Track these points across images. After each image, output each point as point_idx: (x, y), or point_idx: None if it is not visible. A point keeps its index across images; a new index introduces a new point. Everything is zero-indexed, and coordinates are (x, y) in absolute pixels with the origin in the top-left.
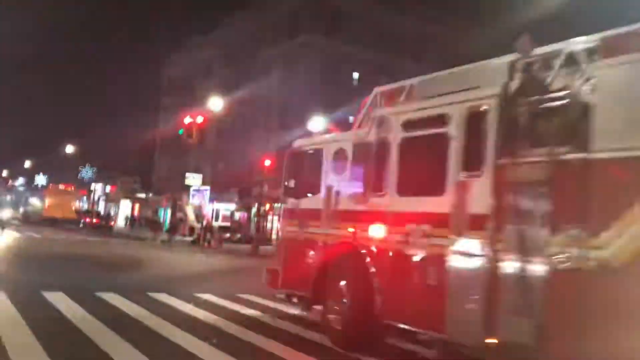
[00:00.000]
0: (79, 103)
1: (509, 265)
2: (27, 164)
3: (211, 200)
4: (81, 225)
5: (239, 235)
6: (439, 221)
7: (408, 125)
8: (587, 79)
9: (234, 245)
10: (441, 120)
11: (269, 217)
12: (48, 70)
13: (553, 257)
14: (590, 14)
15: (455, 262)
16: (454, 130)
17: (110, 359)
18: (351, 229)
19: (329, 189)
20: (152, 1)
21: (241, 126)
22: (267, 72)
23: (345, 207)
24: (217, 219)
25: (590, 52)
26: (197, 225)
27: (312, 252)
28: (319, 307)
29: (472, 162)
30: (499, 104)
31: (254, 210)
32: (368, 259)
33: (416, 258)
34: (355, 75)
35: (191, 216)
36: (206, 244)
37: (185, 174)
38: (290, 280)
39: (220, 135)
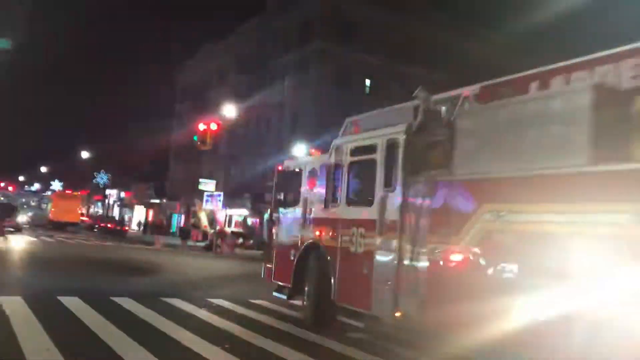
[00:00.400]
0: (94, 110)
1: (407, 258)
2: (43, 169)
3: (224, 206)
4: (95, 230)
5: (251, 241)
6: (370, 225)
7: (353, 151)
8: (454, 121)
9: (246, 251)
10: (372, 148)
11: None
12: (65, 78)
13: (430, 251)
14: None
15: (378, 256)
16: (379, 157)
17: None
18: (317, 232)
19: (304, 200)
20: (166, 10)
21: (254, 133)
22: (280, 79)
23: (314, 215)
24: (230, 224)
25: (465, 99)
26: (210, 231)
27: (292, 252)
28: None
29: (388, 180)
30: (406, 138)
31: (266, 216)
32: (328, 256)
33: (357, 254)
34: (368, 82)
35: (204, 222)
36: (218, 249)
37: (198, 180)
38: (279, 274)
39: (234, 142)
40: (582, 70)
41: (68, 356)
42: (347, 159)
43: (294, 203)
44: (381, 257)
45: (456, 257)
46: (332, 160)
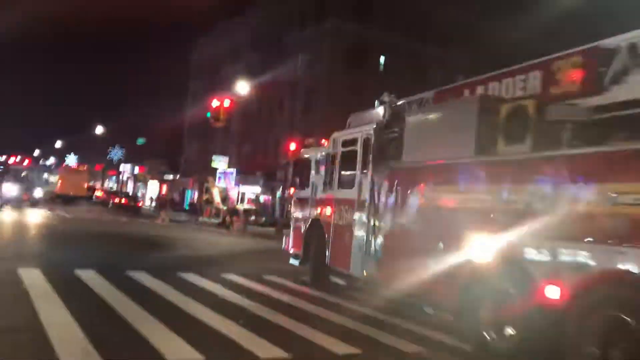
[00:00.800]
0: (110, 86)
1: (371, 229)
2: (59, 144)
3: (236, 183)
4: (110, 205)
5: (263, 218)
6: (351, 204)
7: (343, 144)
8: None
9: (258, 228)
10: (354, 142)
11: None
12: (81, 53)
13: (383, 222)
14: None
15: (355, 228)
16: (359, 148)
17: (141, 336)
18: (318, 210)
19: (311, 184)
20: None
21: (267, 110)
22: (294, 56)
23: (317, 196)
24: (242, 202)
25: (425, 102)
26: (223, 208)
27: (303, 226)
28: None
29: (364, 168)
30: (374, 133)
31: (278, 193)
32: (324, 229)
33: (343, 226)
34: (382, 60)
35: (217, 198)
36: (231, 226)
37: (211, 157)
38: (294, 244)
39: (247, 119)
40: (495, 81)
41: (87, 329)
42: (339, 150)
43: (305, 186)
44: (357, 229)
45: (398, 228)
46: (330, 150)
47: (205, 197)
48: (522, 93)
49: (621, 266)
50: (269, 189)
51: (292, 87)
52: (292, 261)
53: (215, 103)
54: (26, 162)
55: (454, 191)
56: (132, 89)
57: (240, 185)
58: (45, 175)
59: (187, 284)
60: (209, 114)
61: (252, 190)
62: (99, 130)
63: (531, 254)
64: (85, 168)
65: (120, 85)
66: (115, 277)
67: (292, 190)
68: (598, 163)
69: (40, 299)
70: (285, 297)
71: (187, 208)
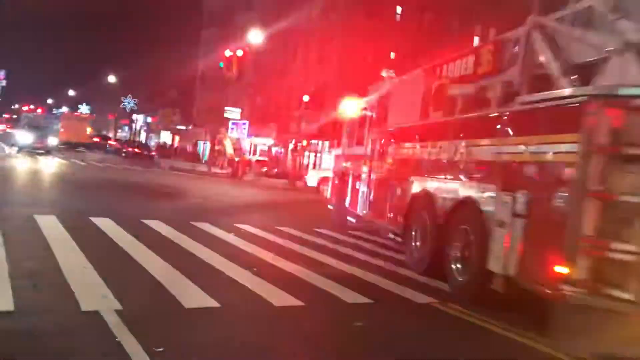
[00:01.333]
0: (122, 33)
1: (369, 177)
2: (71, 92)
3: (249, 134)
4: (123, 154)
5: (275, 170)
6: (362, 158)
7: (361, 109)
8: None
9: (270, 179)
10: (365, 109)
11: (306, 153)
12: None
13: (373, 171)
14: None
15: (362, 176)
16: (369, 113)
17: (159, 283)
18: (344, 163)
19: (342, 143)
20: None
21: (280, 60)
22: (308, 5)
23: (344, 152)
24: (254, 153)
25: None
26: (236, 159)
27: (336, 177)
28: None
29: (371, 129)
30: (377, 102)
31: (291, 145)
32: (346, 178)
33: (356, 176)
34: (399, 10)
35: (229, 149)
36: (243, 177)
37: (224, 108)
38: (330, 193)
39: (260, 69)
40: (451, 62)
41: (104, 274)
42: (359, 113)
43: (338, 145)
44: (363, 177)
45: (380, 175)
46: (354, 115)
47: (217, 147)
48: (464, 72)
49: (468, 195)
50: (282, 140)
51: (307, 36)
52: (330, 206)
53: (227, 53)
54: (39, 110)
55: (409, 147)
56: (144, 38)
57: (253, 136)
58: (58, 123)
59: (201, 232)
60: (221, 64)
61: (265, 142)
62: (112, 79)
63: (434, 187)
64: (87, 116)
65: (133, 33)
66: (130, 225)
67: (304, 142)
68: (475, 124)
69: (57, 245)
70: (297, 247)
71: (205, 159)
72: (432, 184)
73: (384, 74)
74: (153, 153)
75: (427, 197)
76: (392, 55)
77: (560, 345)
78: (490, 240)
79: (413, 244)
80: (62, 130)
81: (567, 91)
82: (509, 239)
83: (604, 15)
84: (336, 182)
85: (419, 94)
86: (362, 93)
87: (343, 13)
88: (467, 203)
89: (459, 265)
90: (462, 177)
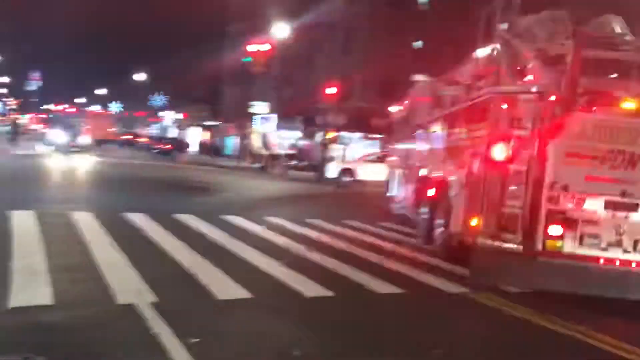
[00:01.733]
0: (150, 33)
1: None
2: (103, 91)
3: (277, 128)
4: (155, 151)
5: (304, 163)
6: (401, 153)
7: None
8: None
9: (298, 173)
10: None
11: (333, 146)
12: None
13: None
14: None
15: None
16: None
17: (191, 275)
18: (393, 158)
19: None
20: None
21: (306, 53)
22: None
23: (394, 148)
24: (283, 146)
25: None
26: (265, 153)
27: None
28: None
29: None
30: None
31: (318, 138)
32: (395, 171)
33: (396, 168)
34: (424, 0)
35: (257, 143)
36: (272, 171)
37: (251, 102)
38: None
39: (286, 63)
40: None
41: (138, 268)
42: (402, 114)
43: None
44: (399, 171)
45: (405, 170)
46: (399, 115)
47: (245, 142)
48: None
49: (444, 175)
50: (309, 133)
51: (331, 28)
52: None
53: (253, 48)
54: (72, 109)
55: (418, 146)
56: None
57: (281, 130)
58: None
59: (232, 226)
60: (249, 59)
61: (292, 135)
62: (141, 77)
63: (428, 171)
64: (111, 112)
65: (161, 31)
66: (163, 220)
67: (331, 134)
68: (447, 119)
69: (93, 240)
70: (327, 239)
71: (229, 153)
72: (427, 170)
73: (417, 77)
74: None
75: (425, 179)
76: (419, 44)
77: (468, 282)
78: (452, 208)
79: (421, 219)
80: (87, 127)
81: (483, 91)
82: (456, 206)
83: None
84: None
85: (429, 99)
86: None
87: (368, 3)
88: (443, 181)
89: (440, 230)
90: (442, 162)
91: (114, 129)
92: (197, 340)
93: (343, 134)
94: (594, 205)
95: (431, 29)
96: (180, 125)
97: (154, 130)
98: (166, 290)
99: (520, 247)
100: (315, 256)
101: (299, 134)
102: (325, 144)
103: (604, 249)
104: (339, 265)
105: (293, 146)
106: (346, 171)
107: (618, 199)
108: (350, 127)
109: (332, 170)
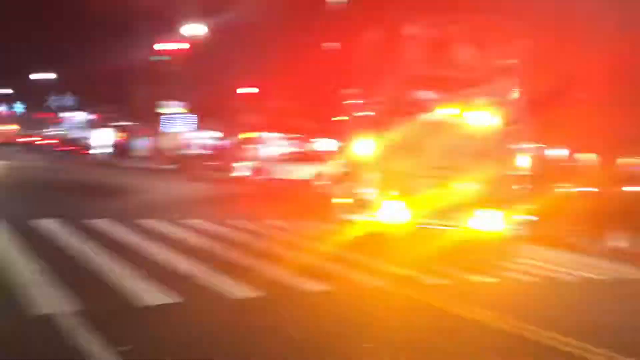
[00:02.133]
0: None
1: None
2: (8, 91)
3: (193, 128)
4: (61, 152)
5: (219, 163)
6: None
7: None
8: None
9: (215, 173)
10: None
11: (248, 146)
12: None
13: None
14: None
15: None
16: None
17: (112, 283)
18: None
19: None
20: None
21: (223, 53)
22: None
23: None
24: (197, 147)
25: None
26: (178, 154)
27: None
28: None
29: None
30: None
31: (233, 139)
32: None
33: None
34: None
35: (168, 144)
36: (186, 172)
37: (163, 102)
38: None
39: (201, 62)
40: None
41: (58, 277)
42: None
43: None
44: None
45: None
46: None
47: (158, 143)
48: None
49: None
50: (227, 133)
51: (248, 30)
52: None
53: (164, 46)
54: None
55: None
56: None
57: (198, 130)
58: None
59: (150, 229)
60: (162, 57)
61: (207, 136)
62: (48, 76)
63: None
64: (12, 113)
65: (63, 30)
66: (77, 225)
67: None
68: None
69: (4, 250)
70: (249, 238)
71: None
72: None
73: None
74: (89, 151)
75: None
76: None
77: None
78: None
79: None
80: None
81: None
82: None
83: None
84: None
85: None
86: None
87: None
88: None
89: None
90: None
91: (17, 131)
92: (128, 348)
93: (261, 133)
94: None
95: (347, 29)
96: (93, 125)
97: (58, 131)
98: (89, 298)
99: None
100: (240, 257)
101: (217, 134)
102: (239, 144)
103: None
104: (267, 265)
105: (208, 146)
106: (260, 170)
107: None
108: (270, 127)
109: (244, 170)
